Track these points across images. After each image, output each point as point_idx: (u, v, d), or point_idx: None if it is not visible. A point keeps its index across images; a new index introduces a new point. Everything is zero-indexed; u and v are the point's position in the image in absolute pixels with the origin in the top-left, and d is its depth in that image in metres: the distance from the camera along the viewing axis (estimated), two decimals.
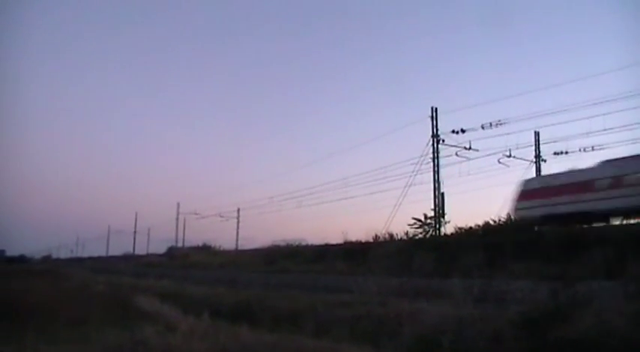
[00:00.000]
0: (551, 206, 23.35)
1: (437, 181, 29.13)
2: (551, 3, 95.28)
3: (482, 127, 28.36)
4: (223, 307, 14.87)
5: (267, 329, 10.05)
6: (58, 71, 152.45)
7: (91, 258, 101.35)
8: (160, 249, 75.85)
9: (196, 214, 64.94)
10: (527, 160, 31.60)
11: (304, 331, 10.02)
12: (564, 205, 22.69)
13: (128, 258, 78.03)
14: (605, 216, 21.97)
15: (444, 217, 28.61)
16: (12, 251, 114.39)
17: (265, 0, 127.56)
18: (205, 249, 61.87)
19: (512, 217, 24.84)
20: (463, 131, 29.12)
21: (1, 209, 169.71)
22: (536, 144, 31.89)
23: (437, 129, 29.52)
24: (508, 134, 28.37)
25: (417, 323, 10.01)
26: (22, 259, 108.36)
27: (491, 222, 24.73)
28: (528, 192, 25.06)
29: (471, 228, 25.11)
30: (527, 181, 26.66)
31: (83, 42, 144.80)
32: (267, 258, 36.37)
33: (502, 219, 24.76)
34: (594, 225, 21.27)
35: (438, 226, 28.47)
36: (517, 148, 29.90)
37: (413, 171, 29.73)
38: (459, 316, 9.73)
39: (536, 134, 31.65)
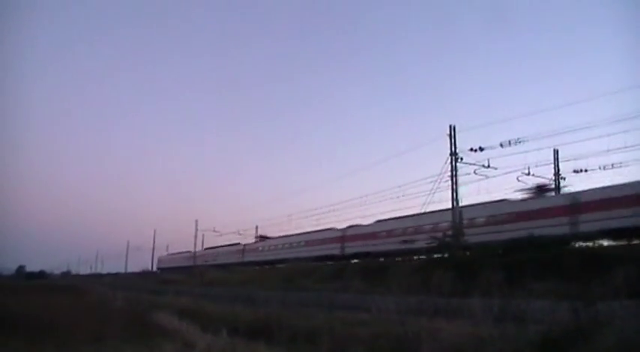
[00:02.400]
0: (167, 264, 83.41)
1: (455, 199, 28.93)
2: (569, 21, 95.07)
3: (501, 145, 28.15)
4: (241, 324, 14.84)
5: (285, 348, 10.03)
6: (73, 82, 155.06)
7: (109, 274, 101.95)
8: None
9: (215, 231, 65.31)
10: (547, 178, 31.33)
11: (321, 349, 9.98)
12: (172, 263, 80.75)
13: (147, 274, 78.35)
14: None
15: (463, 235, 28.36)
16: (32, 266, 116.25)
17: (286, 10, 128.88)
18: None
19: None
20: (481, 149, 28.94)
21: (21, 225, 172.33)
22: (555, 162, 31.64)
23: (455, 147, 29.38)
24: (527, 152, 28.20)
25: (436, 343, 9.91)
26: (41, 275, 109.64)
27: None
28: (160, 260, 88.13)
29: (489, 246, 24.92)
30: (160, 256, 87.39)
31: (109, 57, 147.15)
32: (285, 276, 36.29)
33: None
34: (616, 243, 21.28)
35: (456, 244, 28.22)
36: (536, 166, 29.72)
37: (431, 189, 29.64)
38: (478, 335, 9.62)
39: (555, 152, 31.42)
